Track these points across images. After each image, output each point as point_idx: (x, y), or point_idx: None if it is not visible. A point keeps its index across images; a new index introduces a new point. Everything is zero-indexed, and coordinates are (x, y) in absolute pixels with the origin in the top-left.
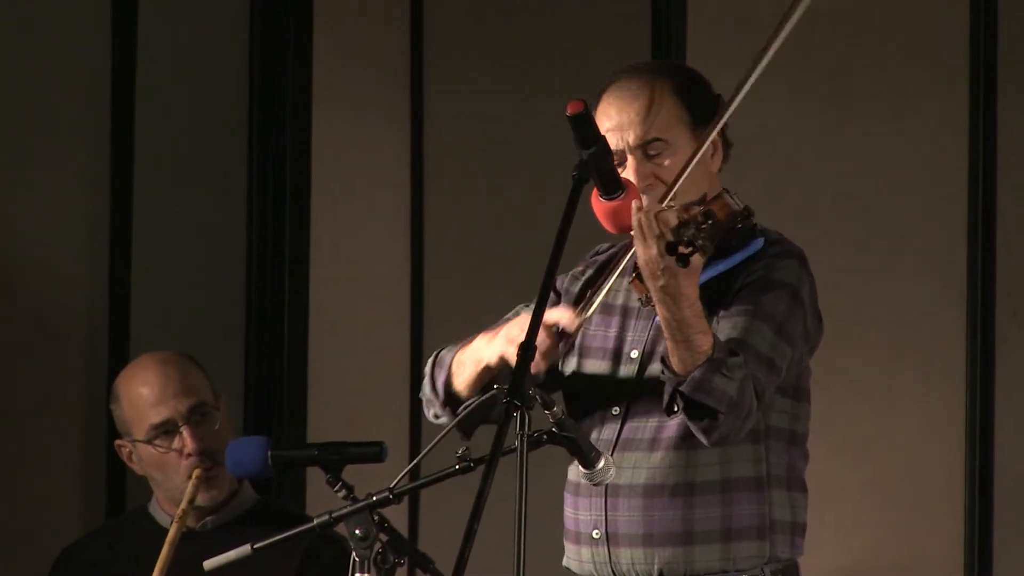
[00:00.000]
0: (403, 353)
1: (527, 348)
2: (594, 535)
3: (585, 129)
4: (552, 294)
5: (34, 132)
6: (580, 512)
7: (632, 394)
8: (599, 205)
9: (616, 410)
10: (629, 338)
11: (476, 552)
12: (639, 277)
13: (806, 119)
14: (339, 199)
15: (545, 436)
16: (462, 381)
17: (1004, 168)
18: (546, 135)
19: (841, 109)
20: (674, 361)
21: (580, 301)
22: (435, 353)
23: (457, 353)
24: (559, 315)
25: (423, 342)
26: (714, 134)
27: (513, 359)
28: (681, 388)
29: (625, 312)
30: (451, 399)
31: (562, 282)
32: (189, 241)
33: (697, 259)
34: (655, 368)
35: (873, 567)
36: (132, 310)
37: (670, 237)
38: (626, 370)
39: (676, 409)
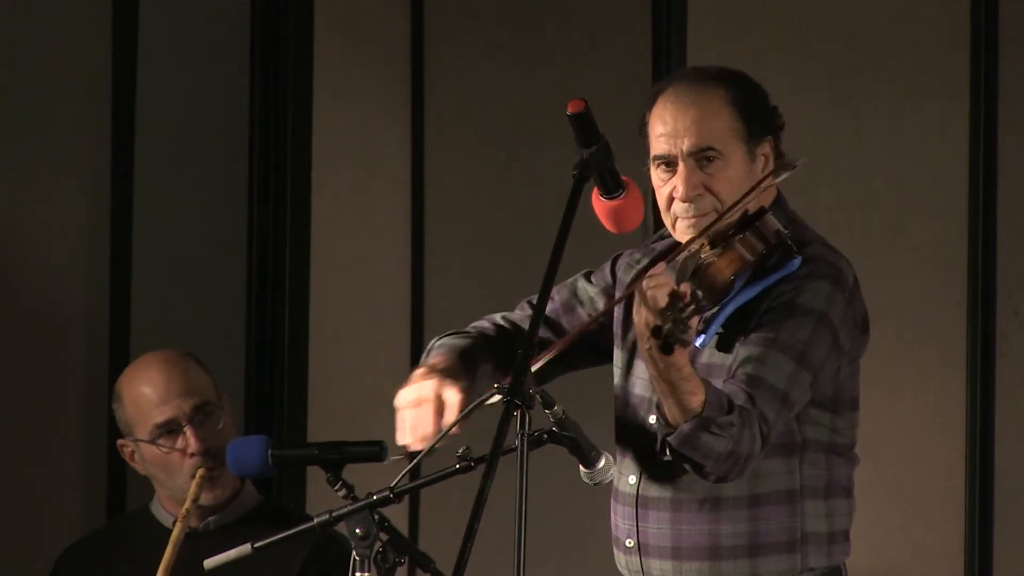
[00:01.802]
0: (403, 353)
1: (527, 347)
2: (628, 544)
3: (586, 128)
4: (609, 275)
5: (34, 132)
6: (618, 519)
7: None
8: (599, 204)
9: (653, 419)
10: None
11: (476, 552)
12: None
13: (807, 118)
14: (339, 199)
15: (545, 435)
16: None
17: (1004, 168)
18: (546, 135)
19: (841, 109)
20: (665, 411)
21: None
22: (438, 337)
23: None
24: (450, 396)
25: (423, 342)
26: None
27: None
28: (669, 439)
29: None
30: None
31: (620, 268)
32: (189, 241)
33: (679, 349)
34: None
35: (873, 567)
36: (132, 309)
37: (656, 320)
38: None
39: (667, 454)
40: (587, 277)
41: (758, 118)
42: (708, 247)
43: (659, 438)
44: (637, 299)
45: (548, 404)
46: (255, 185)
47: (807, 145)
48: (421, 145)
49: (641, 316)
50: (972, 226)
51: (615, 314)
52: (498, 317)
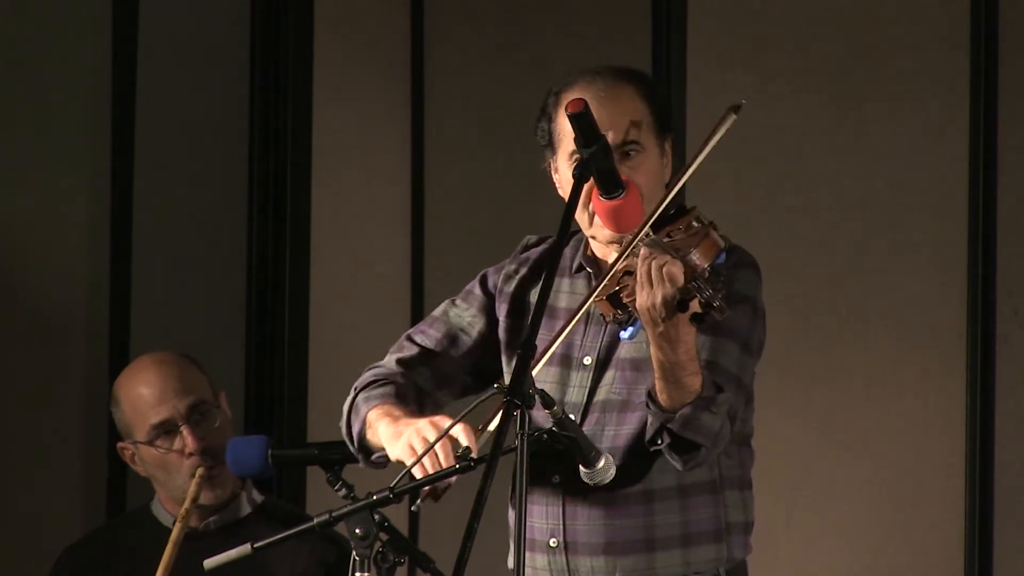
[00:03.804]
0: None
1: (527, 347)
2: (551, 544)
3: (586, 128)
4: (481, 294)
5: (34, 132)
6: (535, 520)
7: (587, 403)
8: (599, 204)
9: (571, 418)
10: (578, 343)
11: (476, 552)
12: (610, 300)
13: (807, 119)
14: (339, 198)
15: (545, 435)
16: (373, 442)
17: (1004, 168)
18: None
19: (841, 109)
20: (662, 398)
21: (519, 304)
22: (353, 393)
23: (373, 410)
24: (463, 436)
25: None
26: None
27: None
28: (670, 425)
29: (570, 315)
30: (364, 448)
31: (494, 282)
32: (189, 240)
33: (712, 318)
34: (609, 376)
35: (873, 567)
36: (132, 310)
37: (677, 295)
38: (578, 378)
39: (660, 442)
40: (453, 303)
41: (664, 107)
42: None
43: (654, 427)
44: (643, 283)
45: (548, 404)
46: (255, 185)
47: (807, 145)
48: (421, 145)
49: (656, 296)
50: (972, 226)
51: (502, 325)
52: (392, 363)
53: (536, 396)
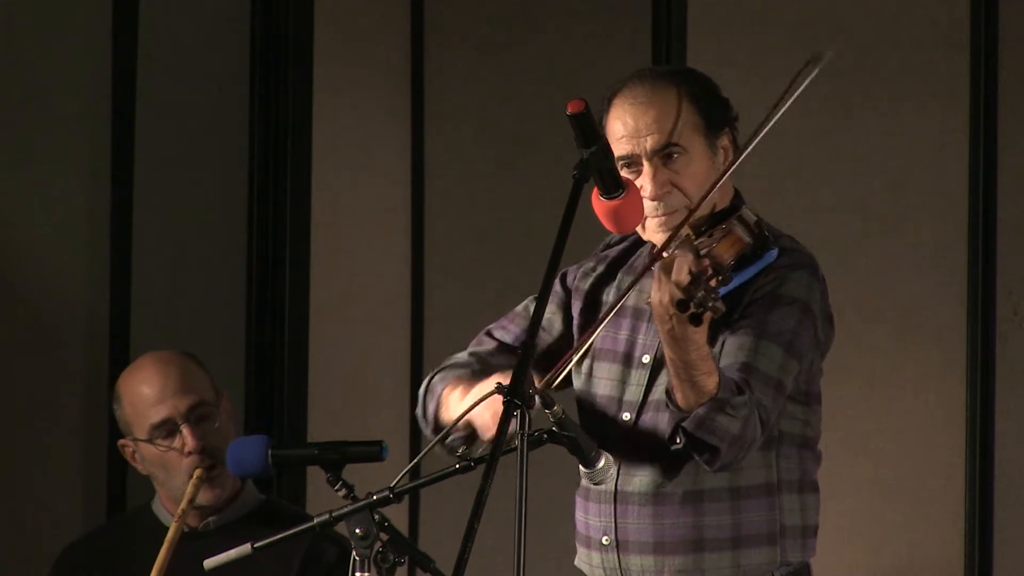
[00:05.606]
0: (403, 352)
1: (528, 347)
2: (604, 541)
3: (585, 128)
4: (561, 290)
5: (34, 132)
6: (590, 517)
7: (642, 401)
8: (599, 204)
9: (627, 416)
10: (640, 342)
11: (476, 552)
12: None
13: (806, 119)
14: (339, 198)
15: (545, 435)
16: (446, 420)
17: (1004, 168)
18: (546, 134)
19: (841, 109)
20: (678, 397)
21: (593, 301)
22: (430, 376)
23: (447, 388)
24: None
25: (423, 341)
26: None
27: (486, 431)
28: (684, 424)
29: (636, 314)
30: (440, 428)
31: (573, 277)
32: (189, 241)
33: (708, 317)
34: (665, 376)
35: (873, 567)
36: (132, 310)
37: (680, 295)
38: (637, 376)
39: (678, 442)
40: (535, 299)
41: (715, 111)
42: (694, 236)
43: (671, 426)
44: (656, 279)
45: (548, 404)
46: (255, 185)
47: (807, 145)
48: (421, 145)
49: (664, 293)
50: (972, 226)
51: (575, 322)
52: (465, 355)
53: (536, 396)
